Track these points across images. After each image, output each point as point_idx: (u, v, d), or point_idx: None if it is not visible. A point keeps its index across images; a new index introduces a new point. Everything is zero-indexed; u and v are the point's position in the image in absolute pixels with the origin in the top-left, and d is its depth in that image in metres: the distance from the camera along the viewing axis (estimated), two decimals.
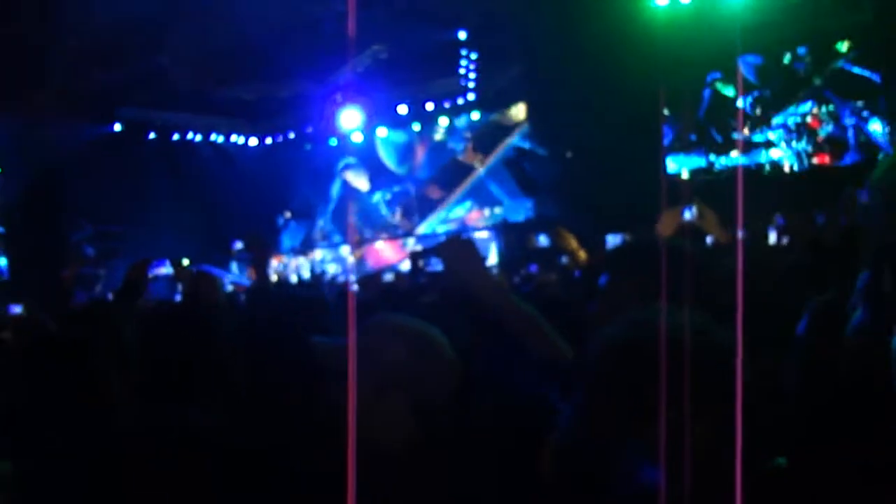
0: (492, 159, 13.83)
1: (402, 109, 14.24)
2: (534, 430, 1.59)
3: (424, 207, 14.60)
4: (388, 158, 15.20)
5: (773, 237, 4.51)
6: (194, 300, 4.03)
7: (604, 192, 9.82)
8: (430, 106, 14.18)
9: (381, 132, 14.91)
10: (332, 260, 14.72)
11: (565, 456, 1.48)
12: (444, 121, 14.36)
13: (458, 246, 1.91)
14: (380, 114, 14.30)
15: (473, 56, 13.50)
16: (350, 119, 14.18)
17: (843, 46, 9.92)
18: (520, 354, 1.79)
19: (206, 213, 14.15)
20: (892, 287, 1.47)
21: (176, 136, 15.27)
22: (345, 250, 14.57)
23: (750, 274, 1.44)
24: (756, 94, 10.69)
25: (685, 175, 11.20)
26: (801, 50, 10.28)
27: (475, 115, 13.95)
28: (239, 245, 13.73)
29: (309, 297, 3.79)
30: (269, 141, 16.29)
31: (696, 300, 1.35)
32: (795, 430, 1.62)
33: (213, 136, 15.77)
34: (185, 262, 6.18)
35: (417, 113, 14.33)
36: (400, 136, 15.03)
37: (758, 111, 10.70)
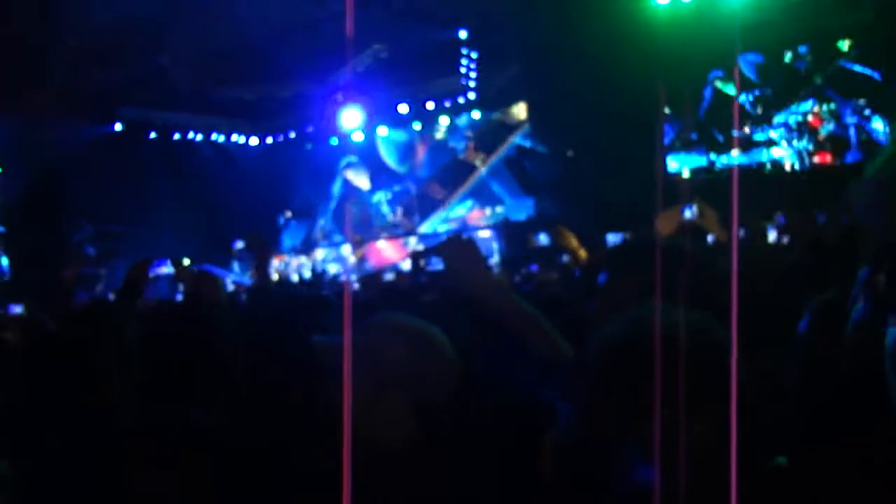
0: (493, 158, 13.83)
1: (403, 109, 14.26)
2: (534, 429, 1.59)
3: (425, 206, 14.61)
4: (388, 157, 15.21)
5: (773, 236, 4.51)
6: (195, 300, 4.03)
7: (604, 190, 9.82)
8: (430, 105, 14.19)
9: (382, 131, 14.92)
10: (333, 259, 14.72)
11: (565, 454, 1.48)
12: (444, 120, 14.37)
13: (459, 245, 1.91)
14: (380, 113, 14.31)
15: (474, 55, 13.51)
16: (351, 118, 14.19)
17: (845, 45, 9.91)
18: (520, 353, 1.79)
19: (207, 213, 14.16)
20: (886, 288, 1.47)
21: (177, 136, 15.28)
22: (346, 249, 14.58)
23: (750, 273, 1.44)
24: (757, 92, 10.69)
25: (686, 174, 11.19)
26: (802, 48, 10.27)
27: (476, 114, 13.96)
28: (240, 244, 13.74)
29: (310, 296, 3.80)
30: (269, 140, 16.30)
31: (696, 299, 1.35)
32: (796, 429, 1.62)
33: (213, 136, 15.79)
34: (187, 261, 6.19)
35: (418, 112, 14.34)
36: (401, 135, 15.04)
37: (759, 110, 10.69)
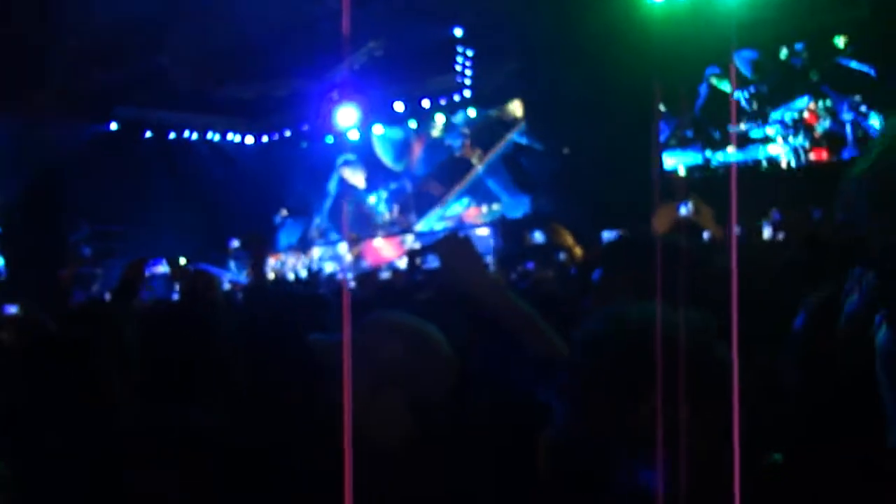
0: (490, 156, 13.82)
1: (399, 106, 14.25)
2: (530, 427, 1.60)
3: (422, 204, 14.60)
4: (384, 155, 15.20)
5: (768, 233, 4.52)
6: (192, 299, 4.04)
7: (600, 188, 9.83)
8: (426, 103, 14.18)
9: (378, 129, 14.91)
10: (329, 258, 14.71)
11: (559, 452, 1.48)
12: (440, 118, 14.37)
13: (455, 243, 1.91)
14: (376, 111, 14.30)
15: (469, 53, 13.50)
16: (346, 116, 14.18)
17: (841, 41, 9.92)
18: (516, 351, 1.79)
19: (204, 212, 14.16)
20: (875, 288, 1.48)
21: (173, 135, 15.26)
22: (342, 248, 14.57)
23: (745, 270, 1.44)
24: (753, 89, 10.69)
25: (682, 171, 11.20)
26: (798, 45, 10.28)
27: (472, 112, 13.96)
28: (236, 243, 13.74)
29: (306, 294, 3.80)
30: (265, 139, 16.30)
31: (690, 295, 1.35)
32: (792, 426, 1.63)
33: (209, 135, 15.78)
34: (183, 260, 6.18)
35: (414, 110, 14.34)
36: (397, 133, 15.04)
37: (754, 107, 10.70)
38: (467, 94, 13.76)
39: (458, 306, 2.15)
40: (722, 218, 3.89)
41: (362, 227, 14.87)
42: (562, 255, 5.13)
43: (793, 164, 10.30)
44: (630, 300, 1.41)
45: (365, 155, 15.28)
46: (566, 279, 4.53)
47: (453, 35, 13.38)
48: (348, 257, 14.02)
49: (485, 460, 1.74)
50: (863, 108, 9.75)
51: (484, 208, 13.91)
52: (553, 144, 12.14)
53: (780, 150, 10.39)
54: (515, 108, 13.43)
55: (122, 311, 3.18)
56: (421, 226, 14.43)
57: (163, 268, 9.64)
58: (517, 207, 13.13)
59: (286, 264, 14.64)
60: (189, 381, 2.26)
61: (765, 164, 10.50)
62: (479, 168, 14.00)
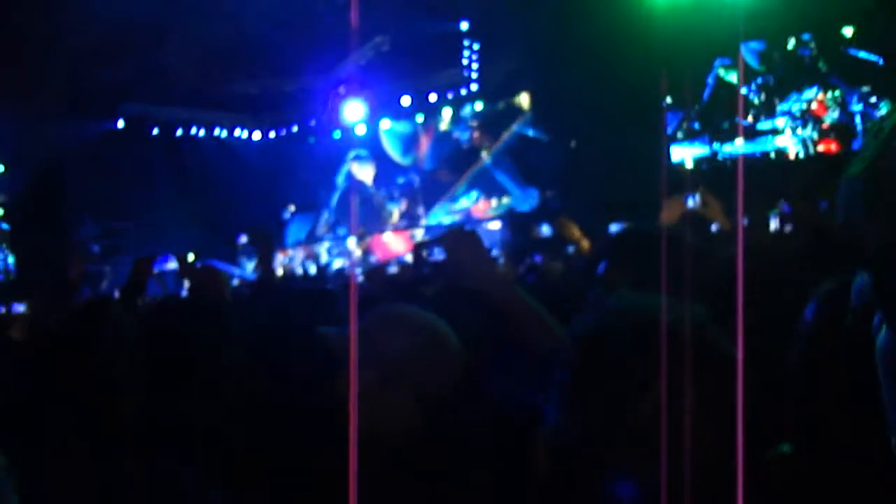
0: (499, 145, 13.79)
1: (406, 101, 14.25)
2: (535, 423, 1.60)
3: (430, 198, 14.59)
4: (393, 149, 15.19)
5: (774, 224, 4.49)
6: (200, 295, 4.04)
7: (608, 180, 9.80)
8: (433, 97, 14.17)
9: (385, 124, 14.91)
10: (337, 252, 14.72)
11: (557, 453, 1.48)
12: (447, 112, 14.36)
13: (461, 236, 1.91)
14: (383, 105, 14.30)
15: (476, 46, 13.49)
16: (353, 111, 14.20)
17: (848, 31, 9.85)
18: (522, 346, 1.79)
19: (212, 208, 14.19)
20: (871, 290, 1.46)
21: (179, 132, 15.29)
22: (351, 243, 14.57)
23: (752, 262, 1.44)
24: (760, 80, 10.63)
25: (689, 164, 11.16)
26: (806, 35, 10.21)
27: (478, 106, 13.95)
28: (244, 239, 13.77)
29: (314, 289, 3.81)
30: (272, 135, 16.31)
31: (695, 288, 1.34)
32: (795, 421, 1.62)
33: (216, 131, 15.80)
34: (191, 256, 6.19)
35: (421, 104, 14.33)
36: (405, 127, 15.02)
37: (762, 98, 10.64)
38: (474, 87, 13.74)
39: (465, 300, 2.15)
40: (729, 210, 3.88)
41: (370, 221, 14.87)
42: (570, 248, 5.13)
43: (801, 155, 10.24)
44: (634, 293, 1.41)
45: (372, 149, 15.28)
46: (573, 272, 4.52)
47: (459, 29, 13.36)
48: (357, 252, 14.03)
49: (489, 456, 1.74)
50: (872, 99, 9.68)
51: (493, 202, 13.88)
52: (560, 137, 12.11)
53: (789, 142, 10.33)
54: (523, 100, 13.40)
55: (128, 308, 3.20)
56: (429, 220, 14.42)
57: (173, 264, 9.66)
58: (526, 201, 13.10)
59: (294, 260, 14.66)
60: (197, 377, 2.27)
61: (773, 155, 10.44)
62: (487, 160, 13.97)
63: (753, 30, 10.07)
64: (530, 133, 13.14)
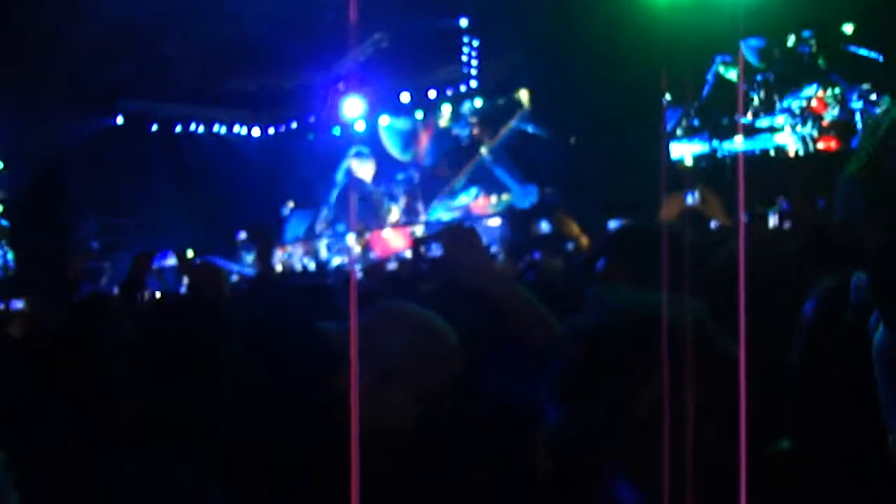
0: (497, 140, 13.77)
1: (405, 97, 14.24)
2: (533, 419, 1.60)
3: (429, 195, 14.58)
4: (392, 146, 15.18)
5: (773, 221, 4.49)
6: (199, 291, 4.04)
7: (607, 177, 9.80)
8: (432, 93, 14.17)
9: (384, 120, 14.90)
10: (337, 249, 14.72)
11: (555, 452, 1.48)
12: (447, 108, 14.36)
13: (459, 233, 1.91)
14: (382, 102, 14.29)
15: (475, 43, 13.48)
16: (353, 108, 14.19)
17: (848, 28, 9.84)
18: (520, 342, 1.79)
19: (211, 204, 14.19)
20: (868, 290, 1.46)
21: (178, 129, 15.29)
22: (350, 239, 14.57)
23: (751, 259, 1.44)
24: (760, 77, 10.62)
25: (688, 161, 11.15)
26: (806, 32, 10.20)
27: (478, 102, 13.94)
28: (243, 235, 13.77)
29: (313, 285, 3.80)
30: (271, 131, 16.31)
31: (694, 285, 1.34)
32: (795, 416, 1.62)
33: (215, 128, 15.79)
34: (190, 253, 6.19)
35: (420, 100, 14.33)
36: (404, 124, 15.01)
37: (762, 95, 10.63)
38: (473, 84, 13.74)
39: (463, 296, 2.15)
40: (728, 207, 3.88)
41: (368, 219, 14.86)
42: (569, 245, 5.13)
43: (801, 153, 10.22)
44: (633, 290, 1.41)
45: (372, 146, 15.26)
46: (572, 269, 4.52)
47: (459, 25, 13.35)
48: (356, 248, 14.02)
49: (488, 454, 1.74)
50: (872, 97, 9.66)
51: (493, 198, 13.87)
52: (560, 134, 12.11)
53: (788, 139, 10.32)
54: (523, 96, 13.39)
55: (126, 304, 3.19)
56: (429, 216, 14.40)
57: (172, 260, 9.65)
58: (526, 198, 13.09)
59: (293, 256, 14.65)
60: (196, 373, 2.27)
61: (772, 153, 10.43)
62: (487, 156, 13.95)
63: (753, 27, 10.05)
64: (529, 129, 13.13)
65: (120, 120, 14.29)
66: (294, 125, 16.02)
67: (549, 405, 1.48)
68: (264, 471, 1.82)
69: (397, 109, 14.62)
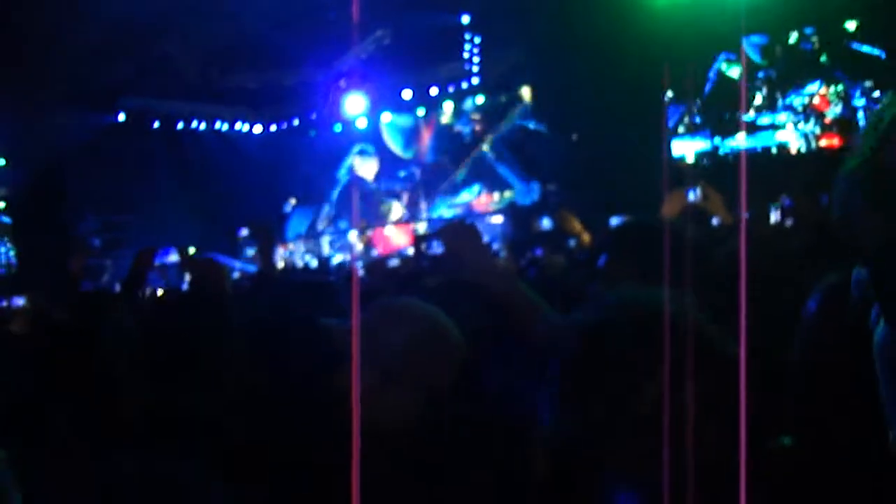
0: (498, 136, 13.75)
1: (407, 94, 14.23)
2: (532, 423, 1.60)
3: (431, 192, 14.57)
4: (394, 143, 15.17)
5: (774, 218, 4.49)
6: (201, 288, 4.04)
7: (609, 174, 9.80)
8: (434, 90, 14.16)
9: (386, 117, 14.89)
10: (339, 246, 14.71)
11: (555, 450, 1.48)
12: (448, 105, 14.35)
13: (460, 230, 1.92)
14: (384, 99, 14.29)
15: (477, 40, 13.47)
16: (354, 105, 14.19)
17: (851, 25, 9.82)
18: (521, 339, 1.79)
19: (213, 201, 14.20)
20: (869, 287, 1.46)
21: (180, 126, 15.29)
22: (352, 236, 14.55)
23: (753, 257, 1.43)
24: (762, 74, 10.60)
25: (690, 158, 11.14)
26: (808, 29, 10.17)
27: (480, 99, 13.93)
28: (245, 232, 13.76)
29: (316, 282, 3.81)
30: (273, 128, 16.30)
31: (695, 282, 1.34)
32: (796, 413, 1.62)
33: (217, 125, 15.80)
34: (192, 249, 6.19)
35: (422, 97, 14.32)
36: (406, 120, 15.00)
37: (764, 92, 10.61)
38: (475, 80, 13.73)
39: (465, 293, 2.15)
40: (730, 204, 3.88)
41: (368, 218, 14.84)
42: (571, 242, 5.13)
43: (803, 150, 10.21)
44: (634, 286, 1.40)
45: (374, 143, 15.25)
46: (574, 265, 4.52)
47: (460, 22, 13.34)
48: (358, 245, 14.01)
49: (487, 452, 1.74)
50: (875, 94, 9.64)
51: (496, 196, 13.86)
52: (561, 131, 12.10)
53: (791, 137, 10.30)
54: (525, 93, 13.37)
55: (127, 301, 3.20)
56: (432, 213, 14.39)
57: (174, 257, 9.65)
58: (529, 194, 13.08)
59: (295, 253, 14.65)
60: (198, 370, 2.27)
61: (774, 150, 10.41)
62: (486, 150, 13.94)
63: (755, 23, 10.03)
64: (531, 125, 13.12)
65: (121, 117, 14.29)
66: (296, 122, 16.02)
67: (549, 405, 1.48)
68: (266, 468, 1.82)
69: (399, 106, 14.61)
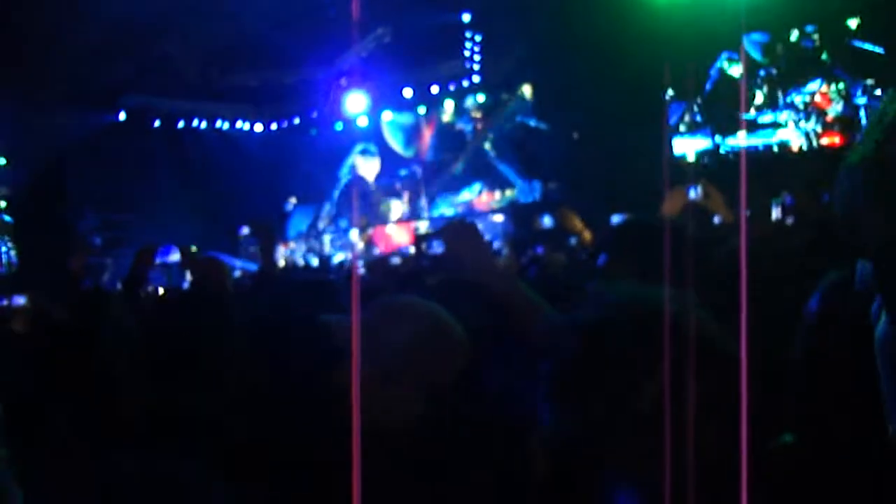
0: (498, 133, 13.73)
1: (408, 92, 14.23)
2: (532, 423, 1.59)
3: (432, 190, 14.57)
4: (395, 141, 15.16)
5: (775, 215, 4.48)
6: (202, 287, 4.04)
7: (610, 172, 9.80)
8: (435, 89, 14.15)
9: (387, 115, 14.89)
10: (340, 245, 14.70)
11: (555, 450, 1.48)
12: (449, 103, 14.34)
13: (460, 229, 1.91)
14: (385, 97, 14.29)
15: (478, 38, 13.47)
16: (355, 103, 14.19)
17: (853, 23, 9.80)
18: (522, 338, 1.79)
19: (214, 200, 14.21)
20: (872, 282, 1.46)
21: (181, 124, 15.30)
22: (353, 235, 14.55)
23: (754, 255, 1.43)
24: (763, 72, 10.59)
25: (691, 156, 11.13)
26: (809, 27, 10.16)
27: (481, 97, 13.93)
28: (245, 230, 13.77)
29: (317, 280, 3.81)
30: (274, 127, 16.30)
31: (696, 280, 1.34)
32: (798, 410, 1.62)
33: (218, 123, 15.80)
34: (194, 248, 6.18)
35: (423, 96, 14.31)
36: (407, 119, 15.00)
37: (765, 90, 10.60)
38: (476, 79, 13.72)
39: (465, 292, 2.15)
40: (732, 202, 3.88)
41: (368, 217, 14.83)
42: (572, 240, 5.13)
43: (804, 148, 10.19)
44: (635, 284, 1.40)
45: (375, 142, 15.24)
46: (575, 264, 4.52)
47: (461, 20, 13.34)
48: (359, 244, 14.01)
49: (487, 452, 1.74)
50: (876, 92, 9.63)
51: (497, 194, 13.85)
52: (562, 129, 12.10)
53: (792, 135, 10.29)
54: (525, 91, 13.37)
55: (128, 300, 3.20)
56: (433, 211, 14.39)
57: (175, 256, 9.65)
58: (530, 193, 13.08)
59: (296, 252, 14.65)
60: (199, 369, 2.27)
61: (776, 148, 10.40)
62: (489, 150, 13.93)
63: (756, 22, 10.02)
64: (532, 123, 13.11)
65: (122, 116, 14.30)
66: (297, 121, 16.02)
67: (549, 404, 1.48)
68: (267, 467, 1.82)
69: (400, 105, 14.61)
